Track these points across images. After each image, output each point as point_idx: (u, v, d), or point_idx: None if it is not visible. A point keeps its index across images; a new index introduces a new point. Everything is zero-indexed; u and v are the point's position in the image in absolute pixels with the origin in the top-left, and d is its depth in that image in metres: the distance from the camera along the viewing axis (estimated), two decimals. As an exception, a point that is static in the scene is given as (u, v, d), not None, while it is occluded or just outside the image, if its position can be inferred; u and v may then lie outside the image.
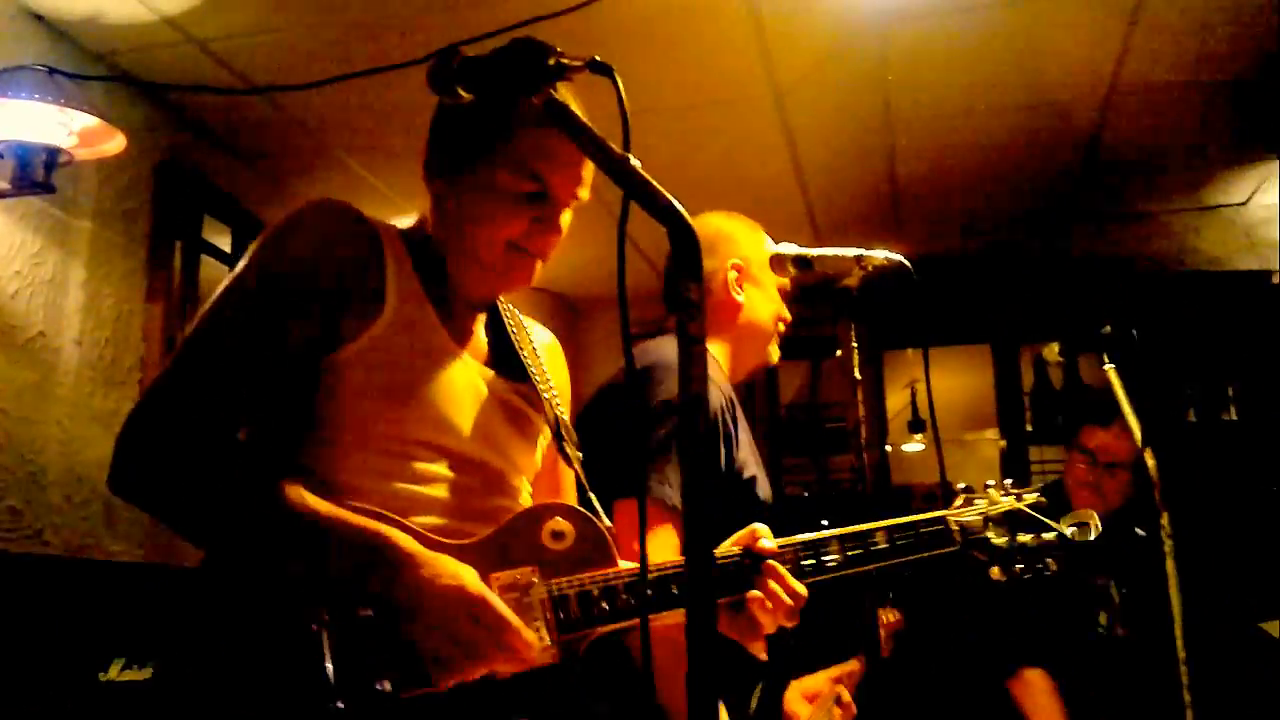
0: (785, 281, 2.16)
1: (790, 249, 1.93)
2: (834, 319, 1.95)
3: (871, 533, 1.52)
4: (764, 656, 1.47)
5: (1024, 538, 1.60)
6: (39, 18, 3.12)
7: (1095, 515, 1.67)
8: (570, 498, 1.63)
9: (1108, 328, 2.40)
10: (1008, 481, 1.73)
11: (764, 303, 2.10)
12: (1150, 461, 2.32)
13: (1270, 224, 4.60)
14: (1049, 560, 1.63)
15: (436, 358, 1.44)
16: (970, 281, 5.17)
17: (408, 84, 1.94)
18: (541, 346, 1.68)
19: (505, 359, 1.57)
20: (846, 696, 2.25)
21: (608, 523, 1.43)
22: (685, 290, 0.87)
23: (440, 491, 1.39)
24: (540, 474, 1.61)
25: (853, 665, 2.34)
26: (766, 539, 1.48)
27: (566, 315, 5.74)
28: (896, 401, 6.67)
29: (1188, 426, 4.79)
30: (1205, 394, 4.84)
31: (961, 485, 1.75)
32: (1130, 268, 5.16)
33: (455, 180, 1.48)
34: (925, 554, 1.55)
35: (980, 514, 1.59)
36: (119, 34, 3.20)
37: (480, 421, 1.46)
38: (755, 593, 1.45)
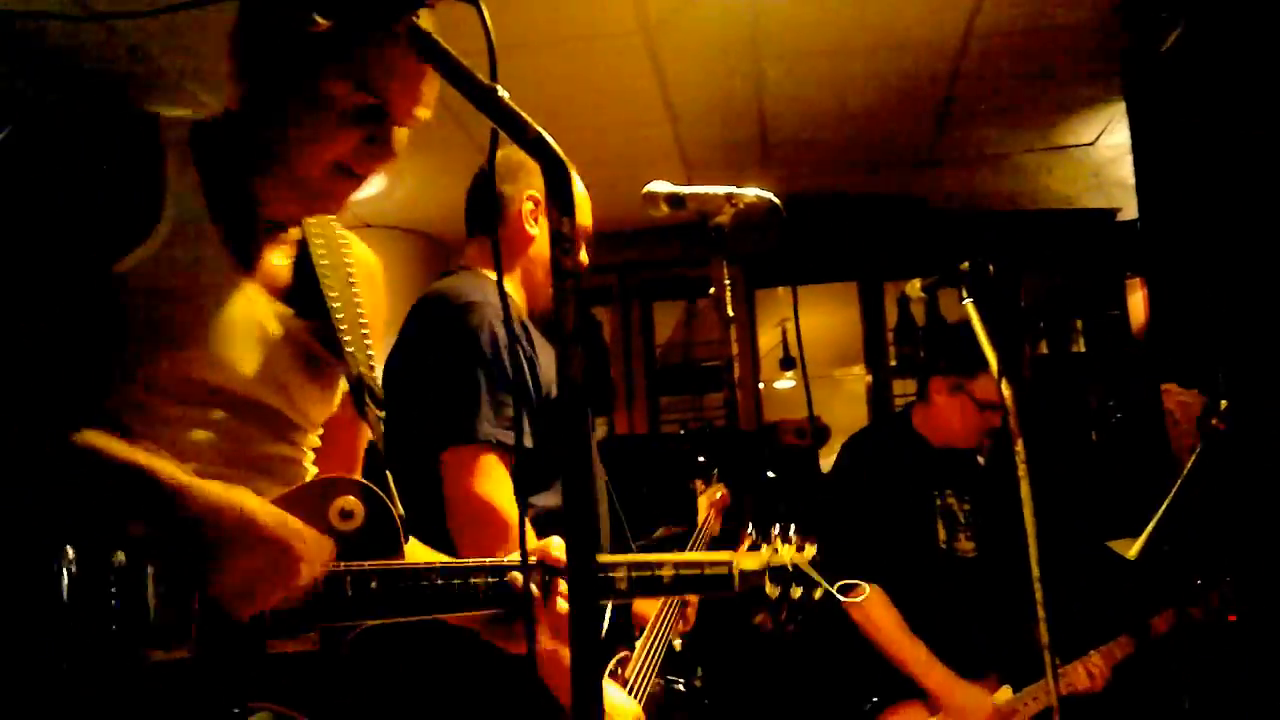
0: (589, 226, 2.18)
1: (663, 187, 1.92)
2: (706, 258, 1.95)
3: (660, 564, 1.49)
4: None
5: (795, 592, 1.64)
6: None
7: (868, 588, 1.74)
8: (358, 461, 1.54)
9: (965, 265, 2.47)
10: (790, 532, 1.76)
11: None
12: (1006, 391, 2.42)
13: (1117, 163, 4.82)
14: (802, 616, 1.68)
15: (216, 288, 1.27)
16: (836, 221, 5.28)
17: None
18: (362, 271, 1.51)
19: (307, 292, 1.40)
20: (691, 596, 2.32)
21: (400, 509, 1.34)
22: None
23: (211, 436, 1.27)
24: (336, 427, 1.48)
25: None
26: (557, 555, 1.40)
27: (439, 257, 5.64)
28: (769, 340, 6.80)
29: (1039, 358, 5.03)
30: (1055, 327, 5.09)
31: (749, 529, 1.78)
32: (988, 206, 5.36)
33: (277, 85, 1.28)
34: (703, 592, 1.57)
35: (763, 563, 1.61)
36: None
37: (265, 362, 1.31)
38: (552, 604, 1.36)
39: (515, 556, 1.36)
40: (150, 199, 1.24)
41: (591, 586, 0.88)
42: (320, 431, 1.47)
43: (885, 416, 4.96)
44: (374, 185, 5.03)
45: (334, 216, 1.48)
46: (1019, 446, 2.37)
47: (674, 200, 1.91)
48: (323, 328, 1.39)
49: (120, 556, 1.12)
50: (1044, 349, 5.10)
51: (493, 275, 2.06)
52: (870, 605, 2.89)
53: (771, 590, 1.61)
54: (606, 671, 1.96)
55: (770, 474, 4.86)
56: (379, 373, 1.48)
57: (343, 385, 1.44)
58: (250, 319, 1.31)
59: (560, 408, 0.88)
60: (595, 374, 5.34)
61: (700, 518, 2.68)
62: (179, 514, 1.14)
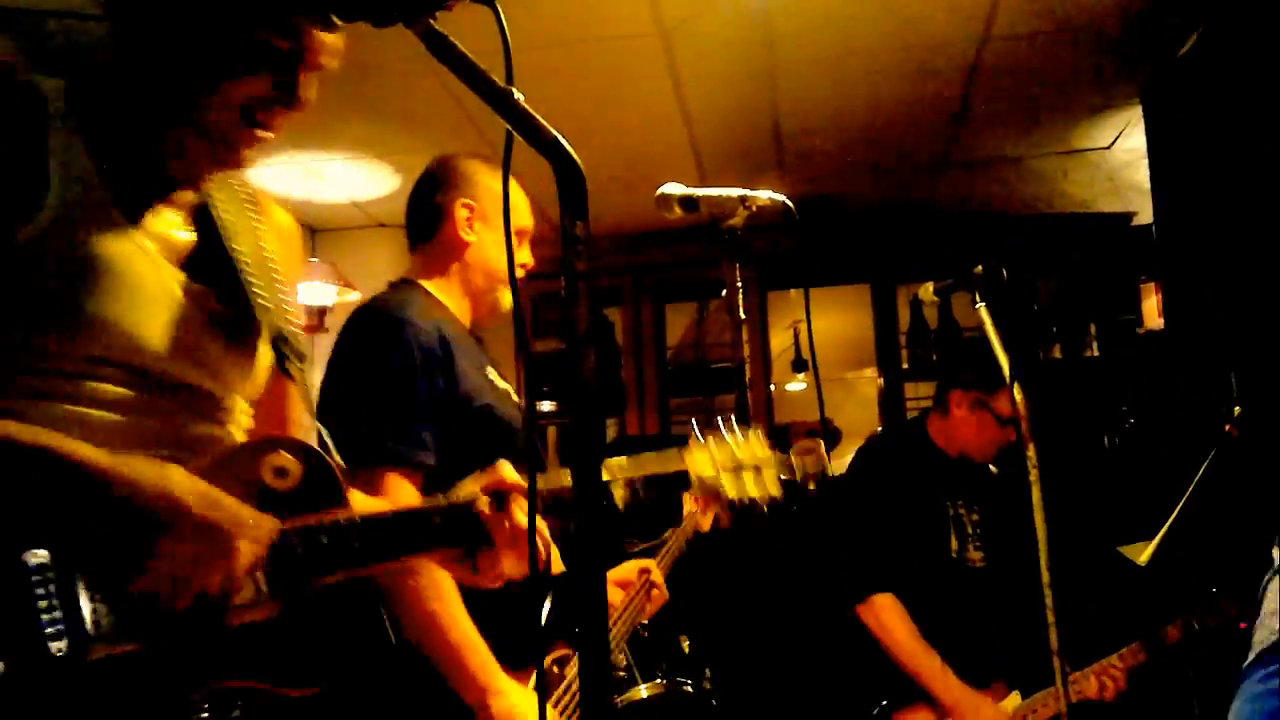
0: (528, 226, 2.17)
1: (676, 189, 1.93)
2: (719, 260, 1.95)
3: (611, 479, 1.47)
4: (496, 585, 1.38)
5: (754, 488, 1.61)
6: None
7: (821, 445, 1.71)
8: (298, 422, 1.46)
9: (979, 268, 2.47)
10: (732, 423, 1.73)
11: (495, 245, 2.11)
12: (1018, 396, 2.42)
13: (1133, 167, 4.80)
14: (769, 504, 1.64)
15: (113, 256, 1.18)
16: (850, 223, 5.28)
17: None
18: (273, 230, 1.44)
19: (212, 255, 1.31)
20: (658, 577, 2.30)
21: (338, 459, 1.28)
22: (571, 227, 0.86)
23: (122, 418, 1.18)
24: (264, 395, 1.40)
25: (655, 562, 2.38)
26: (509, 476, 1.36)
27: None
28: (780, 341, 6.80)
29: (1052, 363, 5.01)
30: (1069, 331, 5.07)
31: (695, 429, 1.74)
32: (1003, 210, 5.34)
33: (180, 18, 1.19)
34: (660, 494, 1.54)
35: (712, 462, 1.58)
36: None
37: (176, 332, 1.22)
38: (505, 527, 1.32)
39: (469, 490, 1.33)
40: (35, 170, 1.15)
41: (601, 585, 0.88)
42: (250, 411, 1.38)
43: (899, 424, 4.94)
44: (389, 182, 5.05)
45: (239, 179, 1.41)
46: (1030, 452, 2.37)
47: (687, 202, 1.91)
48: (233, 289, 1.31)
49: (40, 555, 1.04)
50: (1057, 353, 5.08)
51: (432, 287, 2.11)
52: (884, 611, 2.90)
53: (728, 485, 1.57)
54: (533, 675, 1.94)
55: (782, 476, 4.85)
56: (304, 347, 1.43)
57: (265, 351, 1.35)
58: (155, 286, 1.23)
59: (574, 408, 0.88)
60: (606, 375, 5.35)
61: (686, 509, 2.68)
62: (102, 500, 1.07)
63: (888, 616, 2.89)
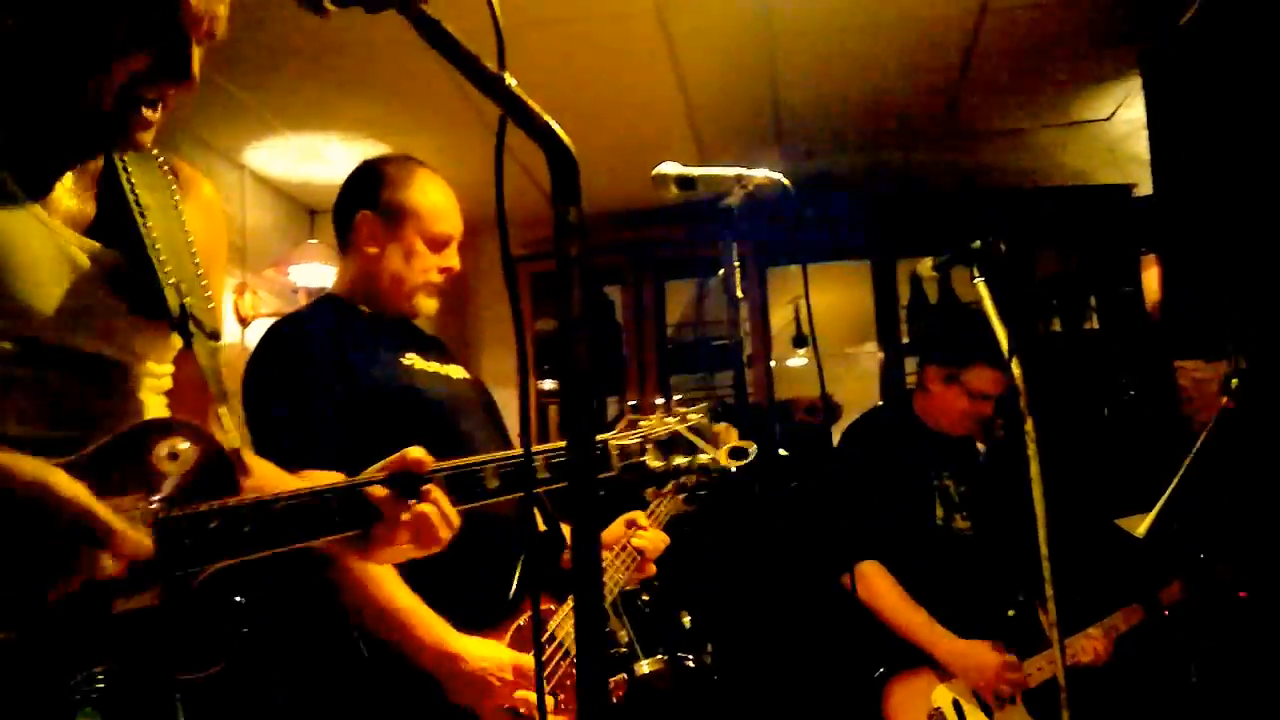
0: (456, 232, 2.17)
1: (672, 168, 1.93)
2: (716, 238, 1.96)
3: (529, 458, 1.45)
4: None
5: (680, 460, 1.59)
6: None
7: (754, 445, 1.69)
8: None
9: (977, 243, 2.48)
10: (676, 399, 1.73)
11: (400, 255, 2.11)
12: (1016, 370, 2.43)
13: (1132, 138, 4.78)
14: (702, 482, 1.63)
15: (6, 229, 1.15)
16: (849, 199, 5.27)
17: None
18: (192, 201, 1.40)
19: (119, 222, 1.28)
20: (646, 521, 2.32)
21: (235, 442, 1.24)
22: (564, 212, 0.87)
23: (12, 395, 1.15)
24: (183, 381, 1.37)
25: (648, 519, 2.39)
26: (419, 457, 1.34)
27: (450, 236, 5.64)
28: (781, 317, 6.80)
29: (1052, 335, 5.02)
30: (1069, 304, 5.07)
31: (631, 404, 1.76)
32: (1002, 183, 5.33)
33: (49, 9, 1.15)
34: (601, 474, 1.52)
35: (641, 437, 1.56)
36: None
37: (78, 304, 1.19)
38: (401, 514, 1.30)
39: (370, 472, 1.32)
40: None
41: (594, 569, 0.89)
42: (166, 383, 1.35)
43: (888, 401, 4.96)
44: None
45: (158, 155, 1.38)
46: (1029, 425, 2.39)
47: (684, 182, 1.92)
48: (137, 259, 1.27)
49: None
50: (1057, 326, 5.08)
51: (346, 297, 2.15)
52: (871, 578, 2.95)
53: (655, 461, 1.56)
54: (509, 631, 1.96)
55: (782, 451, 4.88)
56: (218, 305, 1.40)
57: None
58: (49, 253, 1.19)
59: (567, 391, 0.89)
60: (606, 353, 5.36)
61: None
62: None
63: (875, 582, 2.95)
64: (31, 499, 1.04)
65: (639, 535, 2.28)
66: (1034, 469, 2.38)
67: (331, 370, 1.94)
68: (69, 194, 1.26)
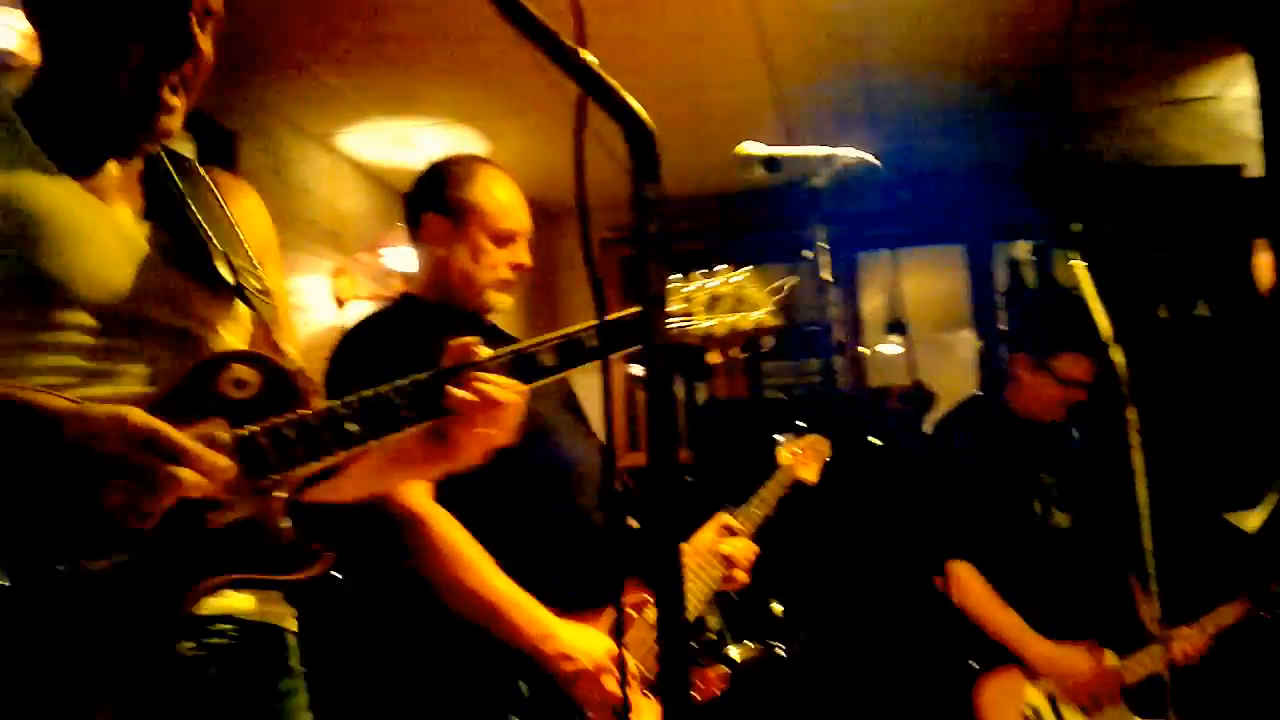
0: (523, 228, 2.15)
1: (758, 149, 1.90)
2: (804, 220, 1.92)
3: (579, 333, 1.44)
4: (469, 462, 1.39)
5: (732, 319, 1.57)
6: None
7: (791, 280, 1.67)
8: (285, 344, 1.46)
9: (1078, 225, 2.39)
10: (722, 268, 1.68)
11: (470, 253, 2.10)
12: (1119, 358, 2.34)
13: (1242, 117, 4.57)
14: (764, 339, 1.62)
15: (70, 216, 1.25)
16: (943, 181, 5.14)
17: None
18: (233, 199, 1.48)
19: (168, 212, 1.37)
20: (739, 526, 2.29)
21: (297, 362, 1.31)
22: (642, 189, 0.85)
23: (100, 361, 1.24)
24: (256, 337, 1.43)
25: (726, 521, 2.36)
26: (467, 342, 1.38)
27: (539, 222, 5.63)
28: (874, 302, 6.69)
29: (1159, 322, 4.83)
30: (1177, 289, 4.87)
31: (673, 276, 1.65)
32: (1103, 163, 5.15)
33: (62, 15, 1.26)
34: (628, 345, 1.47)
35: (684, 299, 1.55)
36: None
37: (147, 279, 1.28)
38: (462, 394, 1.33)
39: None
40: None
41: (676, 570, 0.88)
42: (239, 345, 1.43)
43: (983, 390, 4.84)
44: (477, 148, 5.09)
45: (199, 166, 1.46)
46: (1131, 414, 2.30)
47: (769, 163, 1.89)
48: (189, 238, 1.36)
49: (27, 483, 1.10)
50: (1164, 313, 4.89)
51: (415, 294, 2.17)
52: (963, 578, 2.88)
53: (708, 322, 1.55)
54: (603, 617, 1.95)
55: (873, 439, 4.80)
56: (278, 291, 1.47)
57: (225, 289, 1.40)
58: (111, 235, 1.28)
59: (648, 372, 0.87)
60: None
61: (781, 461, 2.65)
62: (59, 437, 1.10)
63: (967, 583, 2.87)
64: (106, 431, 1.10)
65: (727, 542, 2.27)
66: (1136, 460, 2.30)
67: (404, 372, 1.95)
68: (116, 189, 1.33)
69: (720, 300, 1.58)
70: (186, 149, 4.37)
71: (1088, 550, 2.97)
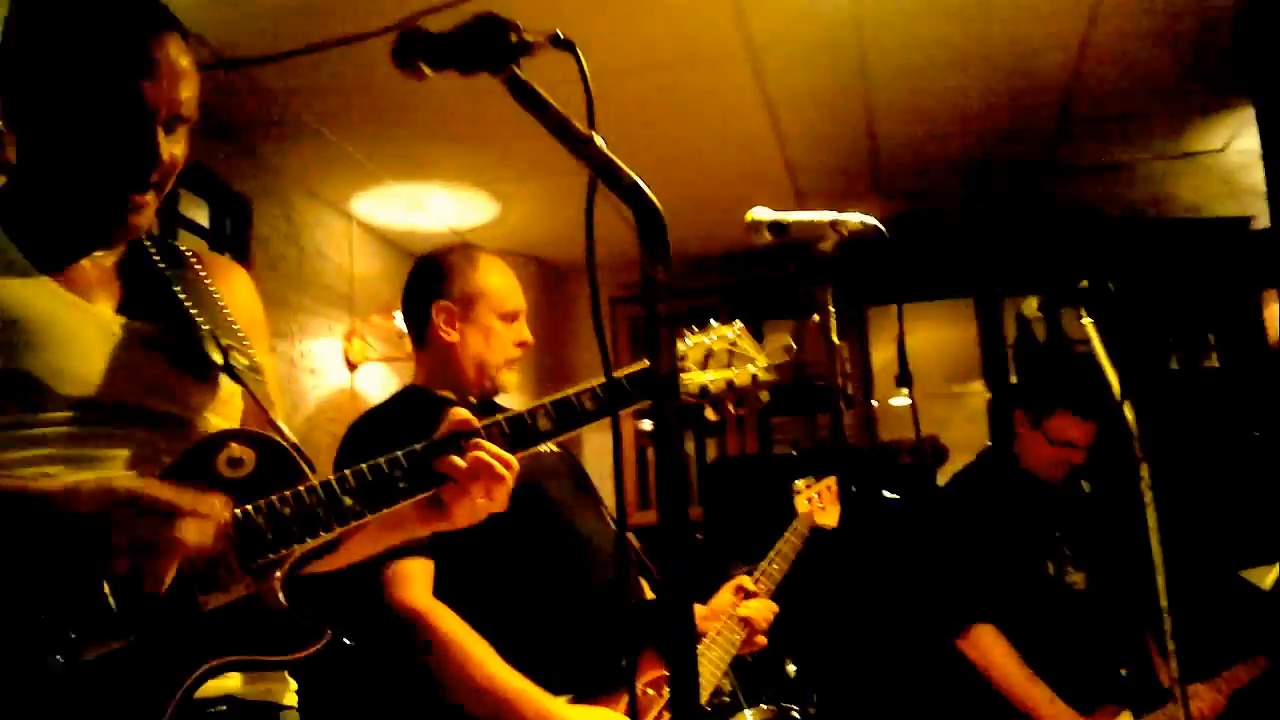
0: (523, 306, 2.21)
1: (765, 214, 1.93)
2: (811, 282, 1.95)
3: (578, 394, 1.45)
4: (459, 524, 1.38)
5: (727, 374, 1.58)
6: (0, -5, 3.06)
7: (790, 338, 1.69)
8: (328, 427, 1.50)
9: (1085, 282, 2.41)
10: (712, 322, 1.70)
11: (480, 336, 2.17)
12: (1129, 415, 2.34)
13: (1248, 169, 4.61)
14: (760, 393, 1.63)
15: (50, 317, 1.26)
16: (952, 236, 5.18)
17: (378, 53, 1.91)
18: (221, 279, 1.50)
19: (151, 298, 1.38)
20: (756, 587, 2.29)
21: (291, 438, 1.31)
22: (652, 270, 0.87)
23: (84, 449, 1.24)
24: (248, 416, 1.44)
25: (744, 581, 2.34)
26: (465, 416, 1.38)
27: (549, 280, 5.72)
28: (884, 356, 6.69)
29: (1169, 374, 4.83)
30: (1187, 341, 4.88)
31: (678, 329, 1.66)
32: (1110, 216, 5.18)
33: (29, 108, 1.29)
34: (638, 403, 1.50)
35: (683, 356, 1.56)
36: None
37: (130, 370, 1.29)
38: (455, 460, 1.32)
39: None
40: None
41: (687, 615, 0.88)
42: (230, 421, 1.43)
43: (993, 448, 4.83)
44: (488, 210, 5.13)
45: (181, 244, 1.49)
46: (1144, 472, 2.29)
47: (776, 228, 1.91)
48: (171, 322, 1.37)
49: (15, 578, 1.10)
50: (1174, 364, 4.89)
51: (421, 386, 2.20)
52: (985, 643, 2.84)
53: (704, 378, 1.57)
54: (624, 699, 1.93)
55: (887, 494, 4.78)
56: (268, 368, 1.48)
57: (225, 375, 1.40)
58: (88, 327, 1.30)
59: (659, 448, 0.89)
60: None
61: (799, 509, 2.63)
62: (50, 519, 1.11)
63: (990, 649, 2.83)
64: (96, 501, 1.11)
65: (745, 605, 2.26)
66: (1150, 518, 2.29)
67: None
68: (94, 283, 1.35)
69: (714, 356, 1.60)
70: (199, 213, 4.41)
71: (1104, 609, 2.94)
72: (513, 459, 1.38)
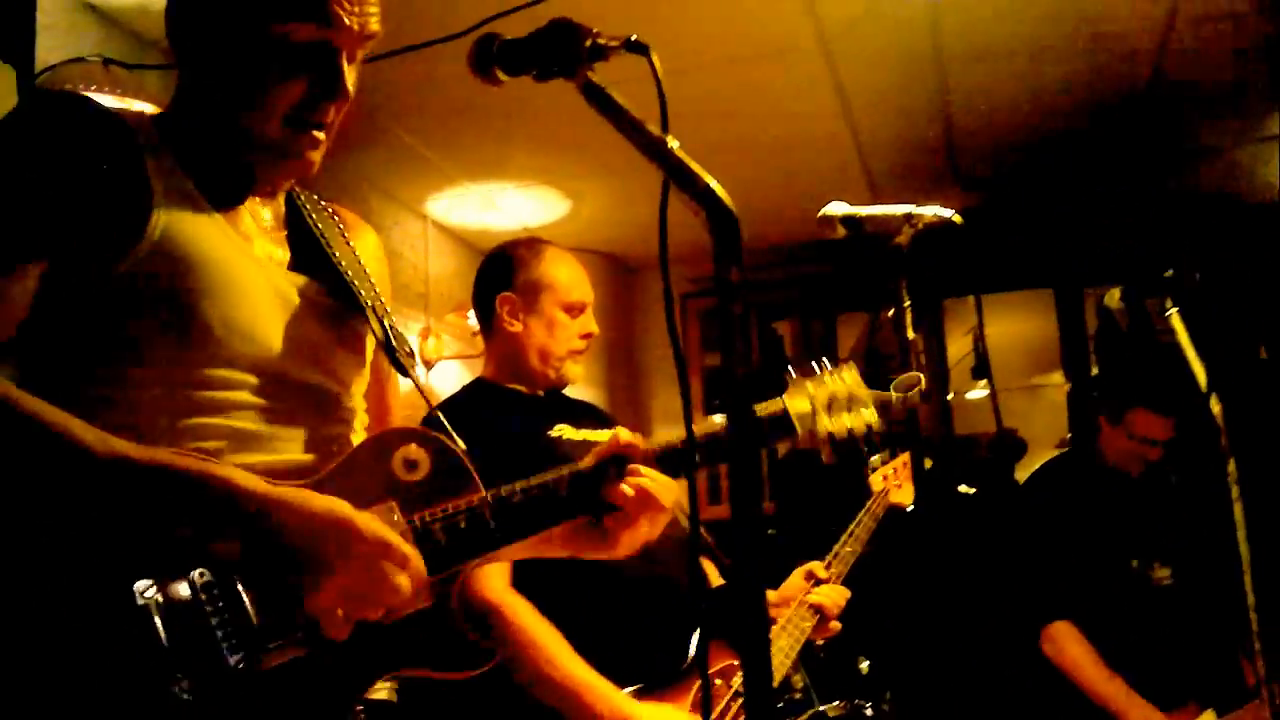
0: (589, 298, 2.23)
1: (839, 209, 1.92)
2: (887, 277, 1.93)
3: (711, 427, 1.47)
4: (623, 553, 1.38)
5: (849, 422, 1.59)
6: (91, 7, 3.17)
7: (921, 376, 1.68)
8: (400, 416, 1.48)
9: (1169, 272, 2.35)
10: (825, 361, 1.70)
11: (545, 327, 2.20)
12: (1216, 408, 2.28)
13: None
14: (875, 437, 1.63)
15: (227, 264, 1.20)
16: (1031, 225, 5.08)
17: (452, 56, 1.94)
18: (357, 239, 1.46)
19: (312, 258, 1.34)
20: (827, 573, 2.28)
21: (462, 444, 1.28)
22: (725, 272, 0.88)
23: (269, 426, 1.20)
24: (368, 391, 1.41)
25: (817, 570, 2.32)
26: (629, 439, 1.37)
27: (620, 276, 5.75)
28: (960, 347, 6.59)
29: (1258, 364, 4.68)
30: (1275, 331, 4.72)
31: (789, 369, 1.68)
32: (1197, 203, 5.03)
33: (214, 45, 1.22)
34: (767, 442, 1.55)
35: (809, 399, 1.57)
36: (168, 20, 3.25)
37: (296, 335, 1.24)
38: (624, 488, 1.32)
39: (588, 460, 1.36)
40: (138, 195, 1.16)
41: (760, 602, 0.89)
42: (364, 405, 1.39)
43: (1074, 442, 4.74)
44: (559, 207, 5.18)
45: (322, 202, 1.44)
46: (1231, 467, 2.23)
47: (850, 223, 1.91)
48: (335, 287, 1.33)
49: (206, 574, 1.06)
50: (1263, 355, 4.73)
51: (495, 378, 2.24)
52: (1063, 640, 2.81)
53: (829, 423, 1.57)
54: (692, 690, 1.94)
55: (964, 488, 4.72)
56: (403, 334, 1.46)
57: (371, 346, 1.38)
58: (266, 288, 1.24)
59: (736, 451, 0.89)
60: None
61: (875, 488, 2.59)
62: (262, 526, 1.07)
63: (1068, 646, 2.80)
64: (330, 533, 1.08)
65: (816, 591, 2.25)
66: (1238, 513, 2.23)
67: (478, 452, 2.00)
68: (264, 235, 1.31)
69: (836, 400, 1.61)
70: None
71: (1190, 606, 2.87)
72: (674, 485, 1.38)
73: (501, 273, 2.26)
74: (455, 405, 2.18)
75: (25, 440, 1.05)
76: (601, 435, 2.25)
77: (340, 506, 1.10)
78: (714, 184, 0.91)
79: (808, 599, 2.24)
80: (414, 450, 1.22)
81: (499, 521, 1.24)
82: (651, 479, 1.35)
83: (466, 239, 5.35)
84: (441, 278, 5.13)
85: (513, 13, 2.59)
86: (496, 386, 2.23)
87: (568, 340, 2.21)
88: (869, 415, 1.61)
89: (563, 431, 2.17)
